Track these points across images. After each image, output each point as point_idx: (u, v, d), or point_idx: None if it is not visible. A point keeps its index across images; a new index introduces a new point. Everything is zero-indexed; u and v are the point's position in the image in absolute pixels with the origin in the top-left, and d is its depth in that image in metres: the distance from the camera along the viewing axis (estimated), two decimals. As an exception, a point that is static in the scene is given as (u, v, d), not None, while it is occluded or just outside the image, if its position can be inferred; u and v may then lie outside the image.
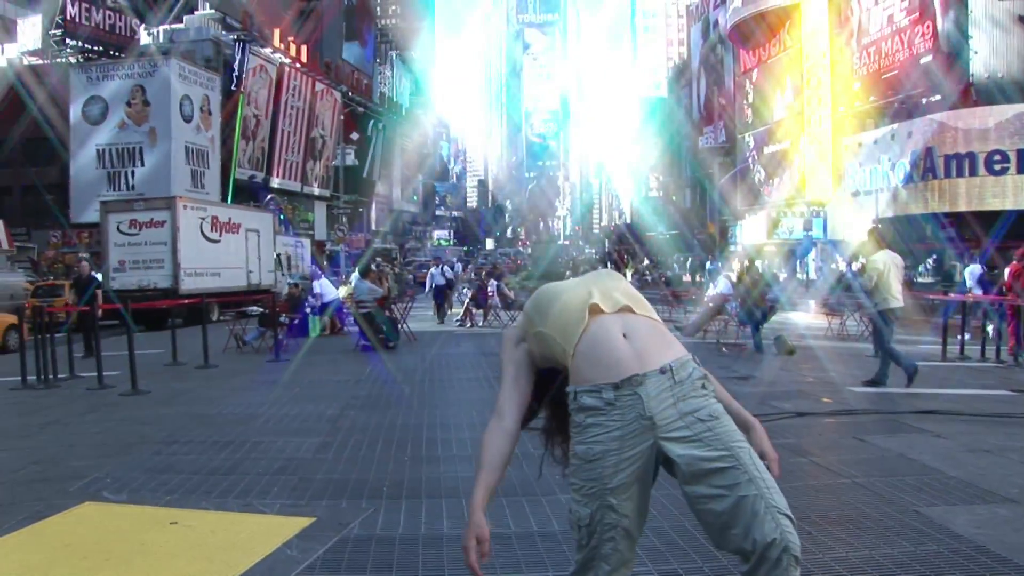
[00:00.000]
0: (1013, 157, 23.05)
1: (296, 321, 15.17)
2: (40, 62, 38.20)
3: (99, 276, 22.79)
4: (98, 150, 34.78)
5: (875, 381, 8.33)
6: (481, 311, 18.53)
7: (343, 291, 17.81)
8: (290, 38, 46.08)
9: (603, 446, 2.02)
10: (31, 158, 37.10)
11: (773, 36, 37.39)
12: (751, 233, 40.20)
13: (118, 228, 19.97)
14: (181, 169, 34.97)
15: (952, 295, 14.67)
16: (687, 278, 37.71)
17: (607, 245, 60.25)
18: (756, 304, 12.38)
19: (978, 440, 5.83)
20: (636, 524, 2.07)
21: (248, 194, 38.80)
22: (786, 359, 11.18)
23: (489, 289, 18.80)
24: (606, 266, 33.48)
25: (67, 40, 37.60)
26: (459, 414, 7.36)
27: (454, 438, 6.25)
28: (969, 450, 5.54)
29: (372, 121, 58.74)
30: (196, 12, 43.77)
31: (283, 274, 25.86)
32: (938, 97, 25.45)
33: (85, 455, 5.82)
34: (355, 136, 47.04)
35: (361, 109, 56.22)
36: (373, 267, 18.19)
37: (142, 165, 34.60)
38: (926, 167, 25.11)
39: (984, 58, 24.20)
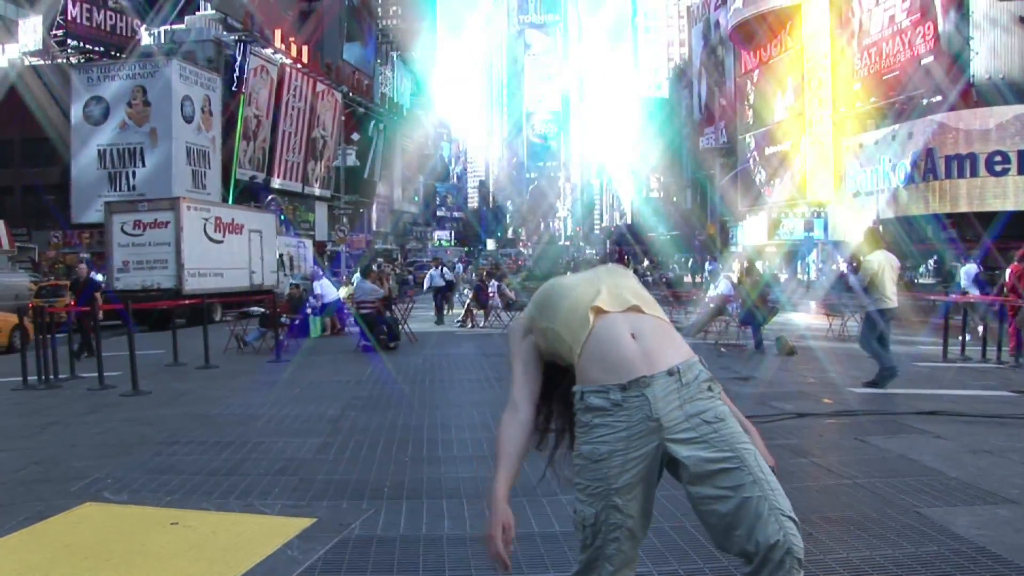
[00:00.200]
0: (1014, 158, 23.05)
1: (297, 322, 15.18)
2: (41, 63, 38.22)
3: (99, 277, 22.90)
4: (99, 150, 34.82)
5: (875, 382, 8.32)
6: (482, 312, 18.52)
7: (344, 292, 17.83)
8: (291, 39, 46.13)
9: (609, 446, 2.02)
10: (32, 159, 37.15)
11: (774, 37, 37.40)
12: (752, 234, 40.20)
13: (122, 229, 20.04)
14: (182, 169, 35.00)
15: (952, 295, 14.66)
16: (688, 279, 37.69)
17: (607, 246, 60.24)
18: (757, 305, 12.38)
19: (979, 441, 5.82)
20: (640, 525, 2.07)
21: (249, 194, 38.82)
22: (787, 360, 11.19)
23: (490, 290, 18.79)
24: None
25: (68, 41, 37.63)
26: (460, 415, 7.36)
27: (455, 439, 6.25)
28: (970, 451, 5.53)
29: (373, 122, 58.77)
30: (197, 13, 43.83)
31: (285, 274, 25.92)
32: (939, 98, 25.45)
33: (86, 455, 5.82)
34: (356, 137, 47.06)
35: (362, 110, 56.26)
36: (374, 268, 18.21)
37: (143, 165, 34.65)
38: (927, 168, 25.11)
39: (985, 59, 24.21)
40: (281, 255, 26.58)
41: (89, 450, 6.02)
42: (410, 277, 38.55)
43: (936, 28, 25.59)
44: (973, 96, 24.37)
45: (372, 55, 64.53)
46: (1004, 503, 4.34)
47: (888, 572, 3.39)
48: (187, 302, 17.43)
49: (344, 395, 8.50)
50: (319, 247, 41.05)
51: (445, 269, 23.41)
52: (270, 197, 40.97)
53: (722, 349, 12.41)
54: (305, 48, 47.28)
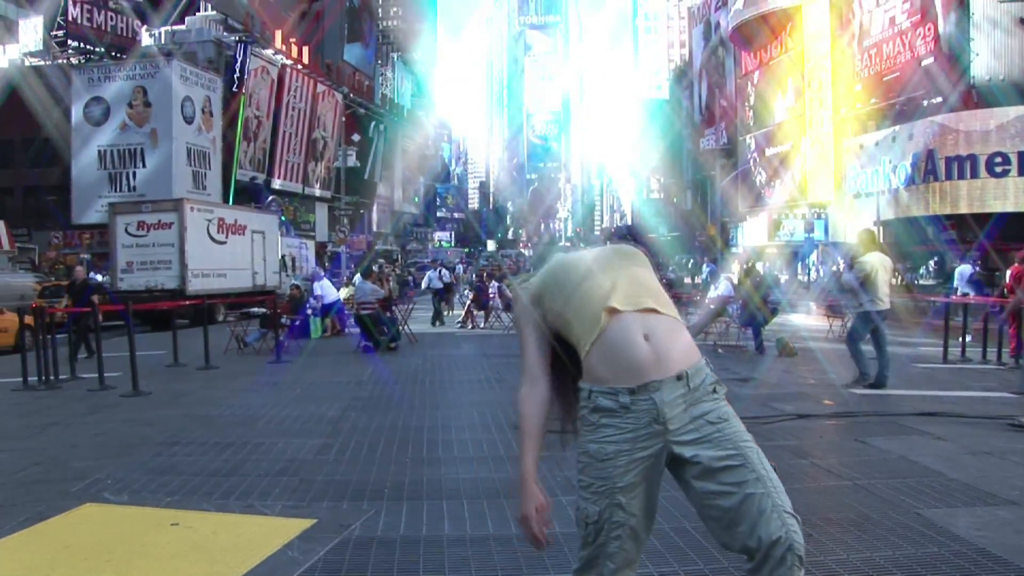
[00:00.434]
0: (1014, 159, 23.04)
1: (297, 322, 15.19)
2: (42, 63, 38.26)
3: (100, 278, 22.94)
4: (99, 151, 34.85)
5: (876, 383, 8.32)
6: (482, 313, 18.51)
7: (344, 292, 17.83)
8: (292, 39, 46.18)
9: (616, 446, 2.03)
10: (32, 159, 37.18)
11: (775, 38, 37.41)
12: (752, 235, 40.18)
13: (126, 230, 20.16)
14: (182, 170, 35.03)
15: (951, 297, 14.66)
16: (687, 280, 37.68)
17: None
18: (757, 306, 12.38)
19: (979, 442, 5.82)
20: (643, 524, 2.08)
21: (249, 195, 38.84)
22: (787, 361, 11.19)
23: (490, 291, 18.79)
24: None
25: (69, 41, 37.68)
26: (460, 416, 7.36)
27: (455, 439, 6.25)
28: (970, 452, 5.53)
29: (374, 122, 58.80)
30: (198, 13, 43.86)
31: (287, 275, 26.00)
32: (939, 99, 25.44)
33: (86, 456, 5.82)
34: (356, 137, 47.08)
35: (363, 110, 56.30)
36: (375, 268, 18.20)
37: (143, 166, 34.68)
38: (927, 169, 25.10)
39: (985, 60, 24.21)
40: (283, 256, 26.69)
41: (89, 451, 6.02)
42: (410, 278, 38.59)
43: (936, 29, 25.60)
44: (974, 97, 24.37)
45: (373, 56, 64.59)
46: (1004, 504, 4.34)
47: (888, 573, 3.38)
48: (187, 303, 17.45)
49: (344, 396, 8.50)
50: (319, 248, 41.09)
51: (444, 270, 23.33)
52: (270, 198, 40.98)
53: (719, 350, 12.40)
54: (305, 49, 47.33)
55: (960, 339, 11.65)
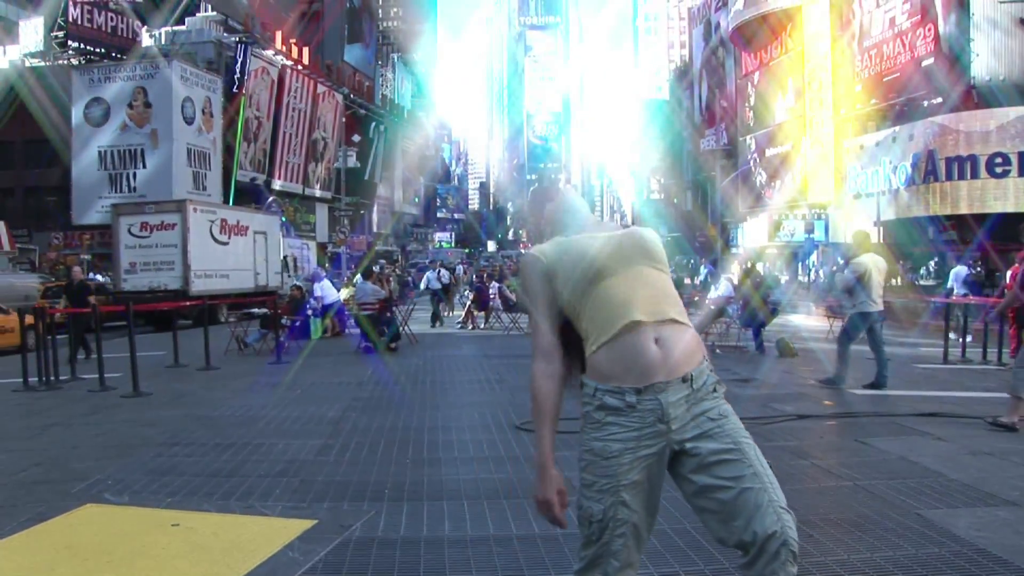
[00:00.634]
0: (1014, 160, 23.05)
1: (297, 323, 15.18)
2: (42, 64, 38.29)
3: (100, 278, 22.97)
4: (100, 152, 34.85)
5: (876, 384, 8.33)
6: (482, 313, 18.49)
7: (345, 293, 17.83)
8: (292, 40, 46.19)
9: (621, 444, 2.05)
10: (33, 160, 37.20)
11: (775, 38, 37.43)
12: (753, 235, 40.20)
13: (129, 231, 20.25)
14: (183, 171, 35.04)
15: (951, 298, 14.65)
16: (687, 280, 37.65)
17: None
18: (758, 307, 12.38)
19: (979, 443, 5.83)
20: (645, 522, 2.10)
21: (249, 196, 38.86)
22: (787, 362, 11.19)
23: (491, 291, 18.78)
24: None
25: (69, 42, 37.71)
26: (461, 416, 7.36)
27: (456, 440, 6.25)
28: (970, 453, 5.54)
29: (374, 123, 58.83)
30: (198, 14, 43.87)
31: (289, 276, 26.07)
32: (939, 100, 25.45)
33: (87, 457, 5.83)
34: (357, 138, 47.11)
35: (363, 111, 56.32)
36: (375, 269, 18.19)
37: (144, 167, 34.69)
38: (927, 169, 25.11)
39: (985, 61, 24.21)
40: (285, 257, 26.78)
41: (90, 451, 6.03)
42: (409, 279, 38.59)
43: (936, 30, 25.60)
44: (974, 98, 24.38)
45: (373, 57, 64.62)
46: (1004, 505, 4.34)
47: (888, 574, 3.39)
48: (187, 304, 17.48)
49: (345, 396, 8.50)
50: (320, 249, 41.11)
51: (443, 271, 23.24)
52: (270, 199, 40.99)
53: (718, 351, 12.40)
54: (306, 50, 47.35)
55: (960, 340, 11.64)
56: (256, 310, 16.94)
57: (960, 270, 14.83)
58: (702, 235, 52.46)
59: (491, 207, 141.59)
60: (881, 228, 26.67)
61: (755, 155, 40.89)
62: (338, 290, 17.88)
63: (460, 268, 36.57)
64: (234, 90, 39.46)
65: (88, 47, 38.24)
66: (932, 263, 25.36)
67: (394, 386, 9.45)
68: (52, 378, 9.75)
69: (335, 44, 56.79)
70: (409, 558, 3.69)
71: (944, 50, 25.33)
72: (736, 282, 13.95)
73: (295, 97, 45.37)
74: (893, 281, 20.44)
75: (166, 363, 11.42)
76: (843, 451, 5.77)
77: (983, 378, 9.54)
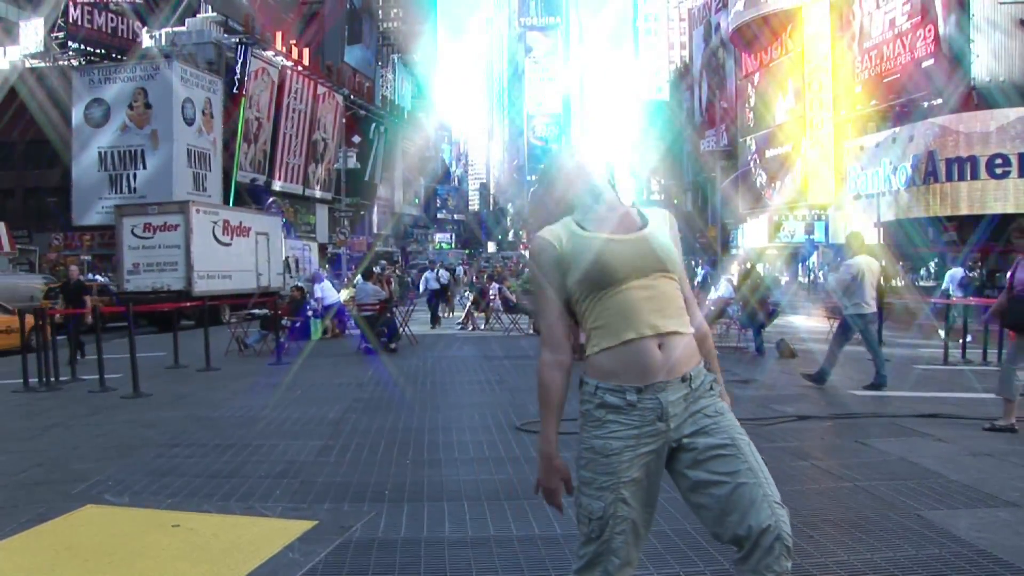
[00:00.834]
0: (1015, 161, 23.03)
1: (298, 324, 15.19)
2: (42, 65, 38.30)
3: (99, 279, 22.98)
4: (100, 153, 34.88)
5: (876, 384, 8.33)
6: (482, 314, 18.48)
7: (345, 294, 17.83)
8: (292, 41, 46.19)
9: (621, 442, 2.06)
10: (33, 161, 37.23)
11: (775, 39, 37.42)
12: (753, 236, 40.20)
13: (132, 231, 20.38)
14: (183, 172, 35.06)
15: (951, 299, 14.66)
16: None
17: None
18: (757, 308, 12.37)
19: (979, 444, 5.83)
20: (643, 519, 2.11)
21: (250, 197, 38.88)
22: (787, 362, 11.19)
23: (491, 292, 18.77)
24: None
25: (69, 43, 37.71)
26: (461, 417, 7.36)
27: (456, 441, 6.26)
28: (970, 454, 5.54)
29: (374, 124, 58.84)
30: (198, 15, 43.87)
31: (291, 276, 26.15)
32: (940, 101, 25.44)
33: (87, 457, 5.83)
34: (357, 139, 47.15)
35: (363, 112, 56.32)
36: (376, 270, 18.19)
37: (144, 168, 34.72)
38: (927, 170, 25.10)
39: (986, 62, 24.20)
40: (287, 257, 26.87)
41: (90, 452, 6.03)
42: (408, 280, 38.59)
43: (936, 31, 25.60)
44: (974, 99, 24.36)
45: (373, 57, 64.63)
46: (1005, 506, 4.34)
47: (889, 575, 3.39)
48: (188, 304, 17.50)
49: (345, 397, 8.50)
50: (320, 250, 41.12)
51: (442, 271, 23.18)
52: (271, 199, 41.01)
53: (717, 352, 12.37)
54: (306, 50, 47.35)
55: (960, 341, 11.64)
56: (256, 311, 16.95)
57: (955, 272, 14.84)
58: (702, 236, 52.44)
59: (491, 208, 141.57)
60: (881, 229, 26.66)
61: (755, 156, 40.88)
62: (338, 291, 17.88)
63: (460, 269, 36.56)
64: (234, 91, 39.47)
65: (88, 48, 38.25)
66: (932, 264, 25.35)
67: (394, 387, 9.46)
68: (52, 379, 9.75)
69: (335, 45, 56.81)
70: (409, 559, 3.69)
71: (944, 51, 25.32)
72: (736, 283, 13.94)
73: (295, 98, 45.39)
74: (894, 282, 20.42)
75: (166, 364, 11.43)
76: (843, 452, 5.77)
77: (983, 379, 9.53)
